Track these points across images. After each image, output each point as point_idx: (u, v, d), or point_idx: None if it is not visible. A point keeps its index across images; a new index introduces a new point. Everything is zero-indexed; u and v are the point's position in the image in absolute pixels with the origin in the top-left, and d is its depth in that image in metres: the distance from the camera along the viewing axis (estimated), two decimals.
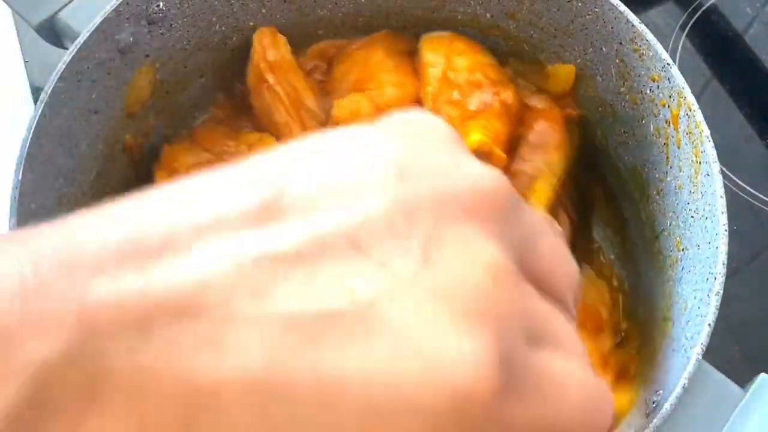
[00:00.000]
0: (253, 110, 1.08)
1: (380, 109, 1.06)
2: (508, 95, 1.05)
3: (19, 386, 0.23)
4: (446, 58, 1.08)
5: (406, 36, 1.13)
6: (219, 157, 1.04)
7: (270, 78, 1.04)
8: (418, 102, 1.09)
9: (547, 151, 1.03)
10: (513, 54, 1.10)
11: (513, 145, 1.05)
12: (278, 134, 1.05)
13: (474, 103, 1.04)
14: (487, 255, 0.27)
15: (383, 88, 1.07)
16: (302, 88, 1.07)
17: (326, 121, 1.07)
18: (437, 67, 1.07)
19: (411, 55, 1.14)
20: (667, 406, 0.78)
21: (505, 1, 1.04)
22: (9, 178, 0.85)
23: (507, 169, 1.02)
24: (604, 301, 1.02)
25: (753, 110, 1.36)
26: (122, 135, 1.04)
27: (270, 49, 1.05)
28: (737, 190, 1.26)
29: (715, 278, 0.81)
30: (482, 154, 1.00)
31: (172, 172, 1.01)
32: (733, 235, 0.84)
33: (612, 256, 1.07)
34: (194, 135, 1.07)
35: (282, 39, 1.07)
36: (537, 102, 1.09)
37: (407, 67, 1.12)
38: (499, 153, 1.01)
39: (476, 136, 1.00)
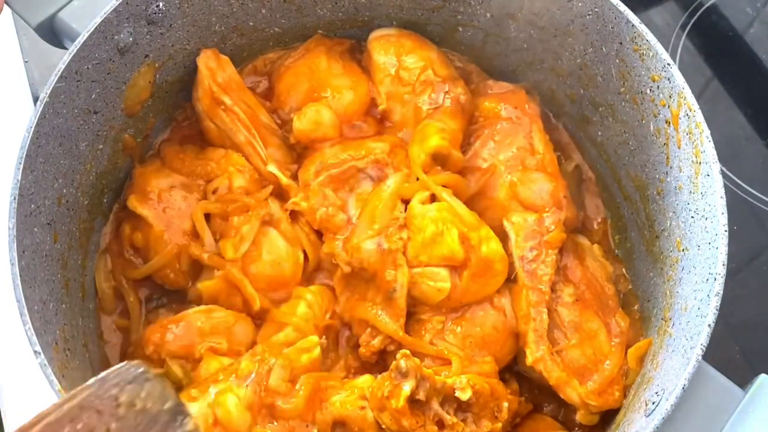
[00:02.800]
0: (207, 134, 1.07)
1: (340, 115, 1.07)
2: (459, 92, 1.06)
3: None
4: (397, 57, 1.08)
5: (339, 36, 1.14)
6: (189, 177, 1.03)
7: (227, 99, 1.03)
8: (372, 102, 1.10)
9: (517, 134, 1.04)
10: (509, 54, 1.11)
11: (467, 139, 1.06)
12: (240, 153, 1.05)
13: (428, 102, 1.05)
14: None
15: (341, 92, 1.08)
16: (255, 105, 1.07)
17: (285, 135, 1.08)
18: (389, 67, 1.08)
19: (352, 53, 1.15)
20: (667, 406, 0.78)
21: (505, 1, 1.04)
22: (9, 178, 0.85)
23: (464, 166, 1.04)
24: (608, 278, 1.03)
25: (753, 110, 1.36)
26: (122, 135, 1.05)
27: (218, 70, 1.05)
28: (737, 190, 1.26)
29: (715, 279, 0.81)
30: (441, 157, 1.02)
31: (145, 197, 1.01)
32: (733, 235, 0.84)
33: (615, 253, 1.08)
34: (163, 155, 1.07)
35: (226, 59, 1.06)
36: (497, 87, 1.10)
37: (355, 67, 1.13)
38: (457, 155, 1.02)
39: (435, 141, 1.01)
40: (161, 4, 0.98)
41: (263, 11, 1.09)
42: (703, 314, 0.81)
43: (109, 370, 0.67)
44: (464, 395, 0.87)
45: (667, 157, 0.94)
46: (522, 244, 0.98)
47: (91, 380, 0.66)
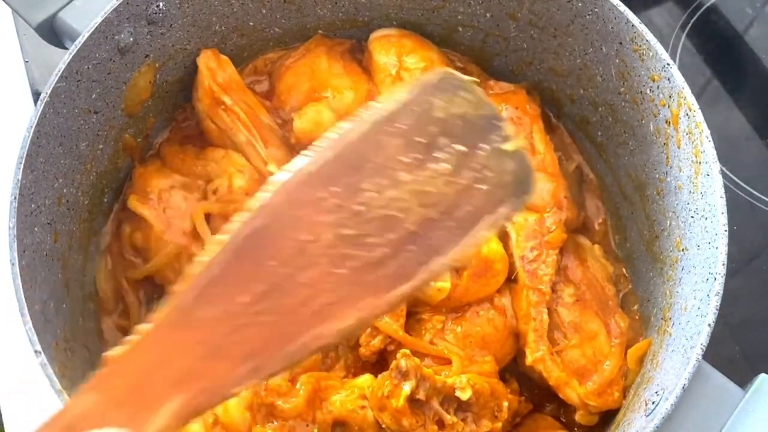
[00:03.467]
0: (207, 135, 1.07)
1: (340, 115, 1.07)
2: None
3: None
4: (398, 57, 1.08)
5: (339, 36, 1.14)
6: (189, 177, 1.04)
7: (227, 99, 1.03)
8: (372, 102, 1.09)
9: (518, 134, 1.04)
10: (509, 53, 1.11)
11: None
12: (240, 153, 1.05)
13: None
14: None
15: (341, 92, 1.08)
16: (255, 105, 1.07)
17: (285, 135, 1.08)
18: (390, 68, 1.08)
19: (352, 54, 1.15)
20: (667, 406, 0.78)
21: (505, 1, 1.04)
22: (9, 178, 0.85)
23: None
24: (609, 278, 1.03)
25: (753, 110, 1.36)
26: (122, 135, 1.05)
27: (218, 70, 1.05)
28: (737, 190, 1.26)
29: (715, 278, 0.81)
30: None
31: (145, 197, 1.01)
32: (733, 235, 0.84)
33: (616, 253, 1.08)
34: (163, 155, 1.07)
35: (226, 59, 1.06)
36: (498, 88, 1.10)
37: (356, 67, 1.13)
38: None
39: None
40: (161, 4, 0.98)
41: (263, 11, 1.09)
42: (703, 314, 0.81)
43: (426, 79, 0.64)
44: (464, 395, 0.87)
45: (667, 157, 0.94)
46: (523, 244, 0.98)
47: (408, 88, 0.63)
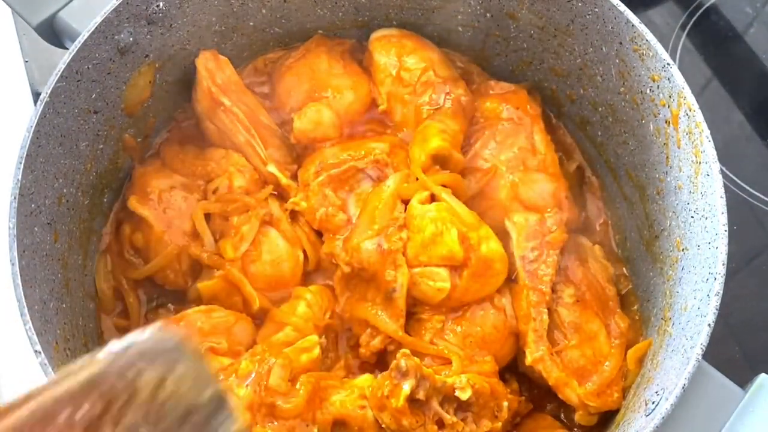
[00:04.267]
0: (207, 135, 1.07)
1: (340, 115, 1.07)
2: (459, 93, 1.06)
3: None
4: (398, 58, 1.08)
5: (339, 36, 1.14)
6: (189, 177, 1.03)
7: (226, 100, 1.03)
8: (373, 102, 1.10)
9: (518, 135, 1.04)
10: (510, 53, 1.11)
11: (467, 140, 1.06)
12: (240, 153, 1.05)
13: (428, 103, 1.05)
14: None
15: (341, 92, 1.08)
16: (255, 105, 1.07)
17: (285, 135, 1.08)
18: (390, 68, 1.08)
19: (353, 54, 1.15)
20: (667, 406, 0.78)
21: (505, 1, 1.04)
22: (9, 177, 0.85)
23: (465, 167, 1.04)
24: (609, 278, 1.03)
25: (753, 110, 1.36)
26: (122, 135, 1.05)
27: (217, 71, 1.05)
28: (737, 190, 1.26)
29: (715, 278, 0.81)
30: (441, 158, 1.02)
31: (145, 197, 1.01)
32: (733, 235, 0.84)
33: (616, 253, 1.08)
34: (163, 155, 1.07)
35: (225, 60, 1.06)
36: (499, 88, 1.11)
37: (356, 67, 1.13)
38: (458, 156, 1.02)
39: (435, 142, 1.00)
40: (161, 4, 0.98)
41: (263, 11, 1.09)
42: (703, 314, 0.81)
43: (132, 336, 0.49)
44: (464, 395, 0.87)
45: (667, 157, 0.94)
46: (523, 244, 0.98)
47: (107, 347, 0.48)
